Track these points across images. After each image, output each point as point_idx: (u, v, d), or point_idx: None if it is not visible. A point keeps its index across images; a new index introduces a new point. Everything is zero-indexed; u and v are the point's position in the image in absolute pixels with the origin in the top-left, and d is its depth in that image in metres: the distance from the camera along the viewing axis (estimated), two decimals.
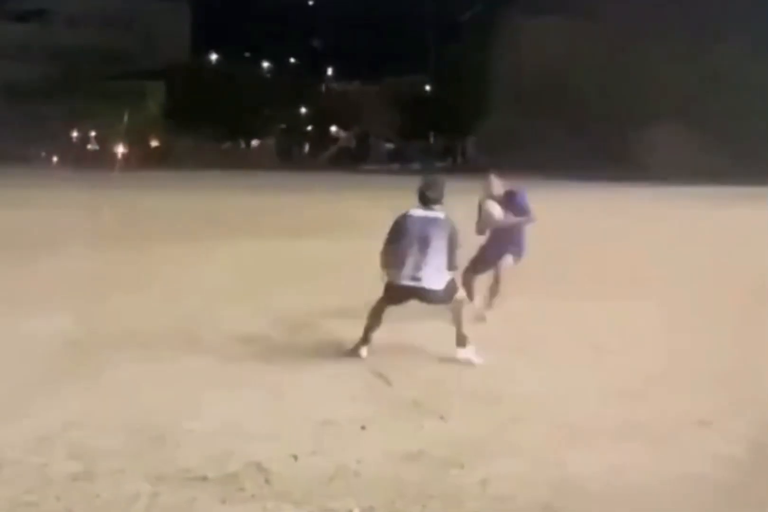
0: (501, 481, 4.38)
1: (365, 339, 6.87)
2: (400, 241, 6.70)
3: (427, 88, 79.53)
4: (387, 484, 4.34)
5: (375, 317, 6.91)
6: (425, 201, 6.82)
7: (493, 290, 8.46)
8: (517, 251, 8.56)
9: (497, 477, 4.42)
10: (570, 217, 19.88)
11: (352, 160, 71.41)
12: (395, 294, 6.79)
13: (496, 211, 8.33)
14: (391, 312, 6.92)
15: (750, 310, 9.13)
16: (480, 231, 8.54)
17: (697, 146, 43.70)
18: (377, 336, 6.92)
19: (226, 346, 7.19)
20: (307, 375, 6.31)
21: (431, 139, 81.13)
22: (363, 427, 5.14)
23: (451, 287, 6.76)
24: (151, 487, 4.26)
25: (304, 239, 15.54)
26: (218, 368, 6.49)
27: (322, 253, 13.80)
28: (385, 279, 6.84)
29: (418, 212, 6.79)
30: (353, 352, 6.82)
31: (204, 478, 4.37)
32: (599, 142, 49.06)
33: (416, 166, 70.40)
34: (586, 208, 24.06)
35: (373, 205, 23.74)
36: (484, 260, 8.54)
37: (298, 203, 26.25)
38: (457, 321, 6.84)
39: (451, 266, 6.74)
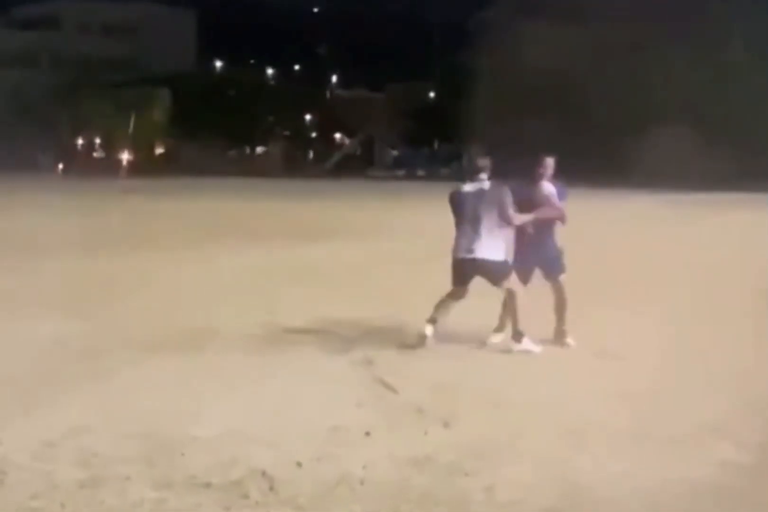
0: (507, 487, 4.36)
1: (432, 319, 7.21)
2: (456, 218, 7.22)
3: (432, 94, 79.60)
4: (392, 491, 4.32)
5: (449, 297, 7.28)
6: (472, 171, 7.29)
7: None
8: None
9: (503, 483, 4.41)
10: (572, 222, 19.84)
11: (357, 166, 71.43)
12: (457, 269, 7.20)
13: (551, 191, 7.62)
14: (392, 318, 6.91)
15: (756, 315, 9.11)
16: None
17: (700, 151, 43.64)
18: (383, 341, 6.92)
19: (231, 352, 7.18)
20: (312, 381, 6.30)
21: (436, 146, 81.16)
22: (367, 433, 5.13)
23: (504, 265, 7.13)
24: (155, 494, 4.25)
25: (310, 245, 15.55)
26: (223, 374, 6.49)
27: (328, 258, 13.81)
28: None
29: (467, 187, 7.20)
30: (420, 339, 7.15)
31: (208, 485, 4.36)
32: (604, 147, 49.01)
33: (421, 172, 70.43)
34: (589, 213, 24.03)
35: (378, 211, 23.77)
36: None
37: (304, 209, 26.28)
38: (512, 313, 7.12)
39: (506, 220, 7.10)
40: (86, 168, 60.08)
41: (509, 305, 7.18)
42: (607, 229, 19.19)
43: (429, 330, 7.18)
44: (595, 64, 52.03)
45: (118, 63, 75.13)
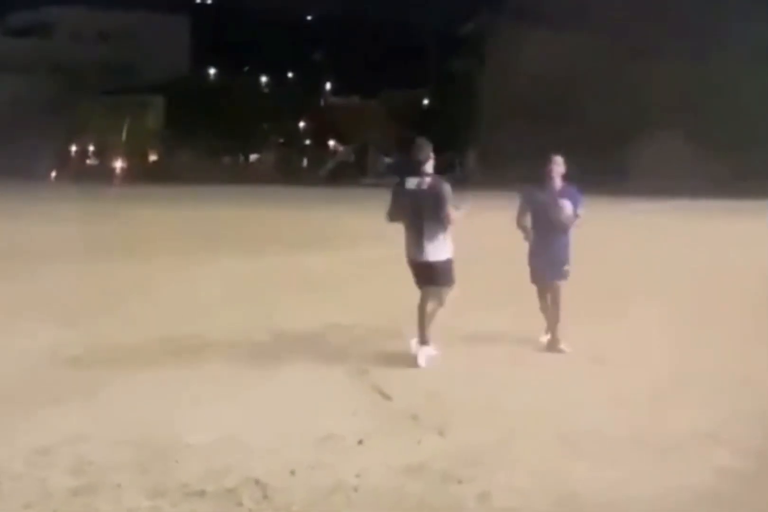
0: (501, 494, 4.35)
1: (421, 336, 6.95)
2: (402, 215, 7.00)
3: (426, 101, 79.70)
4: (386, 498, 4.32)
5: (419, 309, 7.02)
6: (414, 165, 7.03)
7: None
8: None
9: (497, 490, 4.40)
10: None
11: (351, 173, 71.43)
12: (412, 271, 7.09)
13: (568, 206, 7.48)
14: (388, 326, 6.89)
15: (754, 322, 9.12)
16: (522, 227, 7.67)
17: (698, 158, 43.72)
18: (378, 348, 6.89)
19: (225, 360, 7.17)
20: (306, 389, 6.30)
21: None
22: (360, 441, 5.12)
23: (448, 267, 6.98)
24: (149, 502, 4.24)
25: (304, 252, 15.54)
26: (217, 382, 6.48)
27: (322, 266, 13.80)
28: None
29: (410, 182, 7.02)
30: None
31: (202, 493, 4.35)
32: (601, 153, 49.07)
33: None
34: (586, 220, 24.04)
35: (372, 218, 23.78)
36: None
37: (297, 217, 26.27)
38: (429, 315, 6.92)
39: (445, 221, 6.86)
40: (79, 175, 59.99)
41: (431, 304, 6.99)
42: (606, 235, 19.20)
43: (422, 356, 6.87)
44: (591, 69, 52.16)
45: (112, 70, 75.16)
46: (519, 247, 8.08)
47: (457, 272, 7.20)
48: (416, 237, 6.97)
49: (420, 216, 6.89)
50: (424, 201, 6.89)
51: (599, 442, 5.16)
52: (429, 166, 7.06)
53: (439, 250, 6.95)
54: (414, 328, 7.12)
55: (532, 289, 7.91)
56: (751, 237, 18.72)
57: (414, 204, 6.92)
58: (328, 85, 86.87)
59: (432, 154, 7.12)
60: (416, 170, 7.02)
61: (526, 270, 7.96)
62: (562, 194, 7.56)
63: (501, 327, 8.32)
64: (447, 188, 6.93)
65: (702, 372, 6.93)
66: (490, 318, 8.72)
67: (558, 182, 7.62)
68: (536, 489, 4.43)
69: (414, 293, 7.31)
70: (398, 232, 7.26)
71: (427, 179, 6.98)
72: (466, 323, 8.37)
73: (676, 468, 4.76)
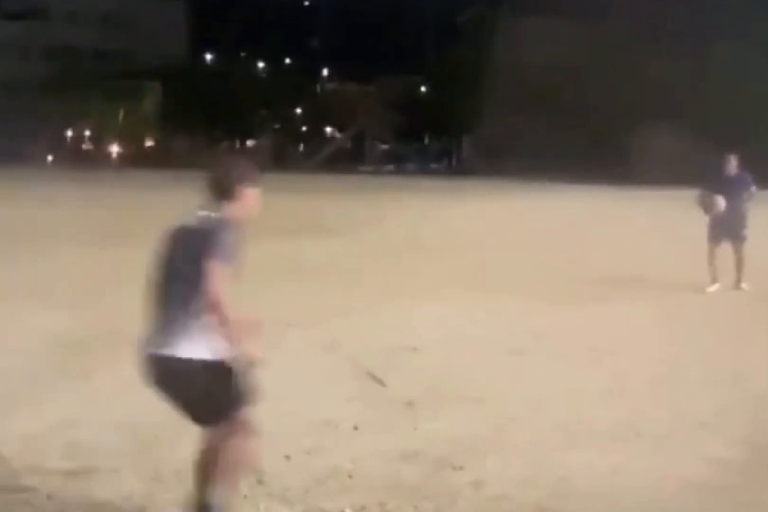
0: (495, 482, 4.37)
1: None
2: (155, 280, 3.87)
3: (423, 89, 79.52)
4: (380, 484, 4.33)
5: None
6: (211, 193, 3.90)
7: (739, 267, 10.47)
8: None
9: (491, 477, 4.42)
10: (567, 219, 19.89)
11: (347, 160, 71.33)
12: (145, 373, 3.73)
13: (720, 201, 10.13)
14: (382, 313, 6.85)
15: (749, 311, 9.15)
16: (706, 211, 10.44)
17: (698, 149, 43.72)
18: (373, 336, 6.84)
19: None
20: (301, 375, 6.30)
21: (426, 141, 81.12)
22: (356, 427, 5.13)
23: (211, 375, 3.52)
24: (144, 486, 4.25)
25: (298, 239, 15.51)
26: None
27: (318, 252, 13.79)
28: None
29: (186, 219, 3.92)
30: None
31: None
32: (597, 143, 49.01)
33: (412, 167, 70.40)
34: (584, 211, 24.07)
35: (367, 205, 23.75)
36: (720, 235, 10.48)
37: (293, 203, 26.21)
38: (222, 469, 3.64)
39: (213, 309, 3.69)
40: (75, 160, 59.84)
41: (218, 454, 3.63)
42: (602, 226, 19.22)
43: None
44: (588, 59, 52.01)
45: (108, 55, 74.82)
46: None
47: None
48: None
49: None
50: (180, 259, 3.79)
51: (593, 431, 5.18)
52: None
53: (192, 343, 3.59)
54: None
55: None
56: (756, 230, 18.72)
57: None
58: (325, 71, 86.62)
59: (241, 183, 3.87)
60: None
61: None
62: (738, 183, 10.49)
63: (497, 315, 8.32)
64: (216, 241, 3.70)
65: (697, 361, 6.95)
66: (485, 307, 8.73)
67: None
68: (530, 477, 4.45)
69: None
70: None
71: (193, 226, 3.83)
72: (460, 312, 8.39)
73: (669, 458, 4.78)
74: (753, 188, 10.63)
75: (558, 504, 4.14)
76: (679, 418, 5.43)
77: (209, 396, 3.48)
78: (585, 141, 49.75)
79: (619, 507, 4.18)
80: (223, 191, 3.83)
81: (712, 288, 10.37)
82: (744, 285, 10.48)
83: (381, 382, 6.13)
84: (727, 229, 10.49)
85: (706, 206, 10.45)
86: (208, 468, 3.59)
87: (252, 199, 3.88)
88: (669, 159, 42.68)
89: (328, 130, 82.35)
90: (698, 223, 11.03)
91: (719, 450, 4.88)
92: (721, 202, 10.24)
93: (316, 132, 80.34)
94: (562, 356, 7.04)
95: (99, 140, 73.61)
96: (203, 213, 3.79)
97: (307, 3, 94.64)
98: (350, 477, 4.42)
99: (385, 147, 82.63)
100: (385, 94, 76.48)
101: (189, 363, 3.45)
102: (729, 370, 6.68)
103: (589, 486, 4.35)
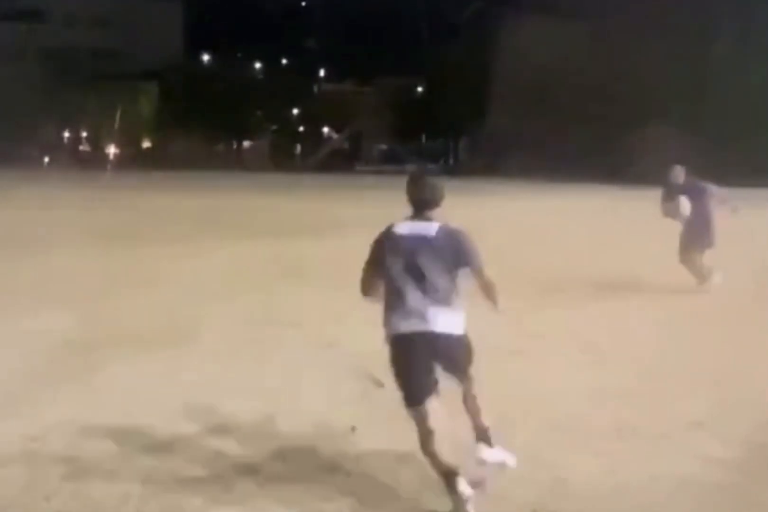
0: (493, 482, 4.37)
1: (446, 476, 4.14)
2: (389, 274, 4.56)
3: (420, 89, 79.53)
4: (379, 485, 4.33)
5: (423, 436, 4.32)
6: (417, 205, 4.61)
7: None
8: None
9: (489, 477, 4.41)
10: (566, 219, 19.91)
11: (345, 161, 71.35)
12: (403, 354, 4.48)
13: (685, 205, 10.12)
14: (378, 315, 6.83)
15: (745, 311, 9.15)
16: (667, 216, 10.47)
17: (694, 148, 43.74)
18: (371, 336, 6.85)
19: (218, 347, 7.18)
20: (299, 375, 6.30)
21: (424, 141, 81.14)
22: (353, 428, 5.13)
23: (468, 343, 4.57)
24: (142, 488, 4.25)
25: (297, 239, 15.52)
26: (212, 369, 6.48)
27: (316, 253, 13.80)
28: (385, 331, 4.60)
29: (404, 227, 4.61)
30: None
31: (195, 479, 4.36)
32: (596, 143, 49.03)
33: (409, 167, 70.42)
34: (583, 210, 24.08)
35: (365, 205, 23.75)
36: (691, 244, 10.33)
37: (291, 204, 26.22)
38: (476, 405, 4.61)
39: (488, 289, 4.67)
40: (72, 161, 59.83)
41: (469, 394, 4.63)
42: (599, 226, 19.23)
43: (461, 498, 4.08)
44: (587, 59, 52.04)
45: (105, 56, 74.79)
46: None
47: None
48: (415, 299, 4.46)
49: (422, 273, 4.48)
50: (428, 254, 4.49)
51: (590, 431, 5.18)
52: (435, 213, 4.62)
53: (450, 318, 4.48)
54: None
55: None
56: (749, 225, 18.73)
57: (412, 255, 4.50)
58: (322, 72, 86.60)
59: (442, 195, 4.64)
60: (419, 212, 4.60)
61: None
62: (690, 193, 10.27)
63: (492, 315, 8.31)
64: (465, 243, 4.60)
65: (692, 361, 6.96)
66: (482, 307, 8.71)
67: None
68: (528, 477, 4.45)
69: None
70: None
71: (433, 229, 4.53)
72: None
73: (665, 457, 4.79)
74: (713, 189, 10.46)
75: (555, 504, 4.15)
76: (676, 418, 5.43)
77: (468, 356, 4.57)
78: (583, 141, 49.80)
79: (616, 507, 4.19)
80: (435, 202, 4.62)
81: (716, 280, 10.24)
82: (706, 285, 10.30)
83: (380, 383, 6.12)
84: (694, 235, 10.38)
85: (672, 213, 10.38)
86: (472, 404, 4.61)
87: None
88: (669, 158, 42.66)
89: (326, 130, 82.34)
90: None
91: (716, 450, 4.89)
92: (685, 204, 10.16)
93: (314, 132, 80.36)
94: (559, 356, 7.04)
95: (96, 141, 73.60)
96: (423, 221, 4.59)
97: (304, 3, 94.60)
98: (348, 476, 4.42)
99: (382, 147, 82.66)
100: (382, 94, 76.56)
101: (456, 337, 4.48)
102: (726, 370, 6.69)
103: (586, 486, 4.36)
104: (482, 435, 4.59)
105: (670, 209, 10.39)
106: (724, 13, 47.76)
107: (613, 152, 46.82)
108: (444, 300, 4.49)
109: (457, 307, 4.55)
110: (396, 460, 4.65)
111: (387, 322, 4.59)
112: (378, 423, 5.26)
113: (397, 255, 4.56)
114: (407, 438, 5.00)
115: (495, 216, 19.95)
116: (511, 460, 4.51)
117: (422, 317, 4.43)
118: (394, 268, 4.56)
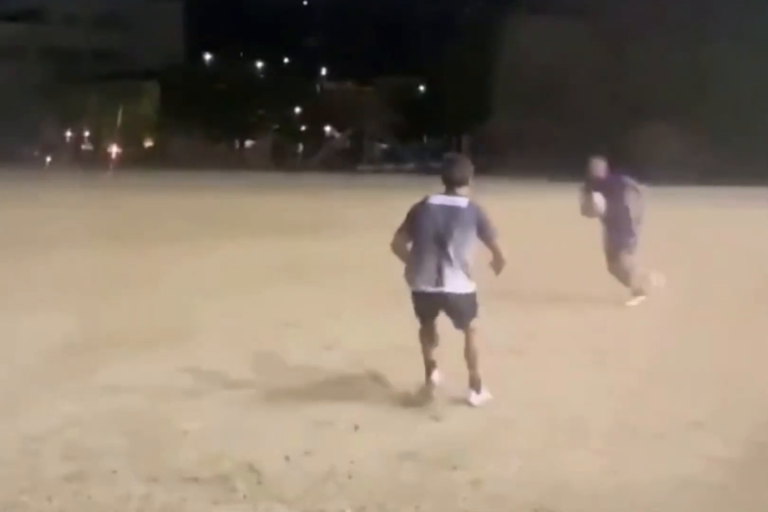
0: (494, 482, 4.37)
1: (427, 367, 5.81)
2: (418, 237, 5.55)
3: (422, 88, 79.49)
4: (380, 485, 4.33)
5: (422, 337, 5.83)
6: (449, 183, 5.64)
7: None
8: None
9: (490, 477, 4.42)
10: (566, 218, 19.86)
11: (346, 160, 71.34)
12: (419, 304, 5.65)
13: (600, 202, 9.13)
14: (382, 313, 6.86)
15: (746, 311, 9.14)
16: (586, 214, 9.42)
17: (695, 146, 43.67)
18: (373, 335, 6.87)
19: (219, 347, 7.18)
20: (300, 375, 6.30)
21: (425, 140, 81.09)
22: (356, 427, 5.13)
23: (473, 301, 5.63)
24: (143, 488, 4.25)
25: (299, 239, 15.52)
26: (210, 369, 6.48)
27: (317, 252, 13.79)
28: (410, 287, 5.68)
29: (438, 199, 5.59)
30: (424, 395, 5.72)
31: (196, 479, 4.36)
32: (596, 142, 49.00)
33: (410, 166, 70.39)
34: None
35: (367, 205, 23.75)
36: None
37: (293, 203, 26.23)
38: (472, 356, 5.67)
39: (498, 260, 5.62)
40: (74, 161, 59.87)
41: (470, 345, 5.70)
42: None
43: (435, 376, 5.83)
44: (588, 58, 52.01)
45: (106, 55, 74.84)
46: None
47: None
48: (437, 263, 5.44)
49: (445, 241, 5.45)
50: (456, 225, 5.47)
51: (591, 431, 5.18)
52: (466, 186, 5.68)
53: (463, 282, 5.52)
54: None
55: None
56: (749, 224, 18.74)
57: (440, 224, 5.49)
58: (323, 71, 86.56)
59: (471, 175, 5.75)
60: (450, 188, 5.66)
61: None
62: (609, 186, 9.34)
63: (494, 317, 8.31)
64: (487, 221, 5.63)
65: (694, 361, 6.95)
66: (482, 306, 8.71)
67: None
68: (528, 477, 4.45)
69: None
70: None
71: (463, 203, 5.56)
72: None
73: (667, 457, 4.78)
74: (633, 184, 9.42)
75: (556, 504, 4.14)
76: (677, 418, 5.43)
77: (471, 311, 5.61)
78: (585, 139, 49.73)
79: (616, 507, 4.18)
80: (465, 181, 5.66)
81: (656, 282, 9.35)
82: (633, 301, 9.25)
83: (380, 382, 6.13)
84: (615, 236, 9.34)
85: (588, 211, 9.29)
86: (471, 354, 5.63)
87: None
88: (669, 157, 42.67)
89: (327, 129, 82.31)
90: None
91: (717, 450, 4.88)
92: (599, 201, 9.08)
93: (315, 132, 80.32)
94: (559, 356, 7.04)
95: (98, 141, 73.62)
96: (454, 196, 5.59)
97: (305, 2, 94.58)
98: (350, 477, 4.42)
99: (384, 146, 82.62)
100: (384, 93, 76.50)
101: (464, 295, 5.51)
102: (727, 369, 6.68)
103: (587, 486, 4.35)
104: (474, 383, 5.65)
105: (584, 207, 9.29)
106: (723, 13, 47.69)
107: (615, 152, 46.75)
108: (459, 264, 5.43)
109: (470, 271, 5.49)
110: (397, 460, 4.65)
111: (409, 280, 5.61)
112: (379, 422, 5.26)
113: (428, 222, 5.51)
114: (407, 438, 5.02)
115: (495, 215, 19.78)
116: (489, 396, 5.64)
117: (437, 279, 5.45)
118: (422, 234, 5.52)
